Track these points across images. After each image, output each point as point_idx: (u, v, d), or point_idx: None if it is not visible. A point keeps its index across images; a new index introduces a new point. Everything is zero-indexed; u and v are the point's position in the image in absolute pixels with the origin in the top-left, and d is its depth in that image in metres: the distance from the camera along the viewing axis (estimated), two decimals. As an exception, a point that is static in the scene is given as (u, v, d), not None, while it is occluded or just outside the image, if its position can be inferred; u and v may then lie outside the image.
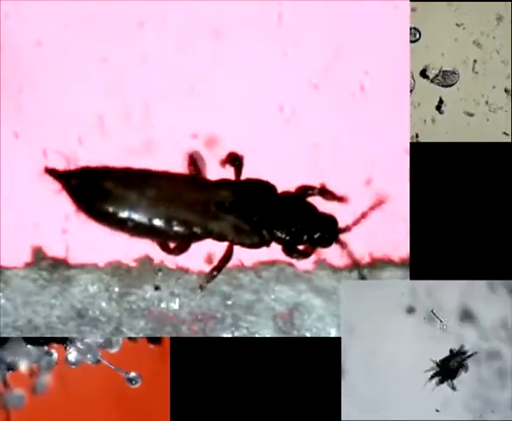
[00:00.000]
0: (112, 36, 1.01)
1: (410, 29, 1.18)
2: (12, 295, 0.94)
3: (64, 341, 1.12)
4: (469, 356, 1.10)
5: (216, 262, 0.95)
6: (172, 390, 1.16)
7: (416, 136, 1.20)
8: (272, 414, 1.16)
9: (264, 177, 0.98)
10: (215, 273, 0.94)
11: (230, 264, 0.97)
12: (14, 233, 0.95)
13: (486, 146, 1.18)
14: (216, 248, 0.97)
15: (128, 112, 1.00)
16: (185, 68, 1.03)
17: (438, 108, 1.20)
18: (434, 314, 1.12)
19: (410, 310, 1.12)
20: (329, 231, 1.03)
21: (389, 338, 1.10)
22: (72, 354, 1.12)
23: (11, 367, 1.12)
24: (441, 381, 1.10)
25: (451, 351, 1.10)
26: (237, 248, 0.97)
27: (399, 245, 1.15)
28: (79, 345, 1.11)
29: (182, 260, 0.96)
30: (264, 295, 1.05)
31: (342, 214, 1.08)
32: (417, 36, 1.19)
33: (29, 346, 1.11)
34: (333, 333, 1.08)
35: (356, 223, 1.07)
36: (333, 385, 1.11)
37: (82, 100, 1.00)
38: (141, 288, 0.95)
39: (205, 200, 0.90)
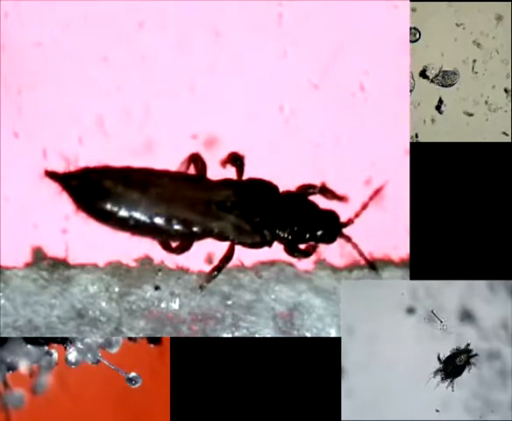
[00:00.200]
0: (112, 36, 1.01)
1: (410, 29, 1.18)
2: (12, 295, 0.94)
3: (64, 341, 1.12)
4: (474, 355, 1.10)
5: (216, 262, 0.95)
6: (172, 390, 1.16)
7: (416, 136, 1.20)
8: (272, 414, 1.16)
9: (264, 177, 0.98)
10: (215, 273, 0.94)
11: (230, 264, 0.97)
12: (14, 233, 0.95)
13: (485, 146, 1.18)
14: (217, 248, 0.97)
15: (128, 112, 1.00)
16: (185, 68, 1.03)
17: (438, 108, 1.20)
18: (434, 314, 1.12)
19: (410, 311, 1.12)
20: (331, 227, 1.03)
21: (389, 339, 1.10)
22: (72, 354, 1.12)
23: (11, 367, 1.12)
24: (445, 378, 1.10)
25: (457, 348, 1.11)
26: (237, 248, 0.97)
27: (399, 245, 1.15)
28: (79, 345, 1.11)
29: (182, 260, 0.96)
30: (264, 295, 1.05)
31: (342, 214, 1.08)
32: (417, 36, 1.19)
33: (29, 345, 1.11)
34: (333, 333, 1.08)
35: (357, 215, 1.07)
36: (333, 385, 1.11)
37: (82, 100, 1.00)
38: (141, 288, 0.94)
39: (206, 199, 0.90)
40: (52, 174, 0.91)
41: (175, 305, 0.94)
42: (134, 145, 0.96)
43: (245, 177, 0.97)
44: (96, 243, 0.94)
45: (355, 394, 1.11)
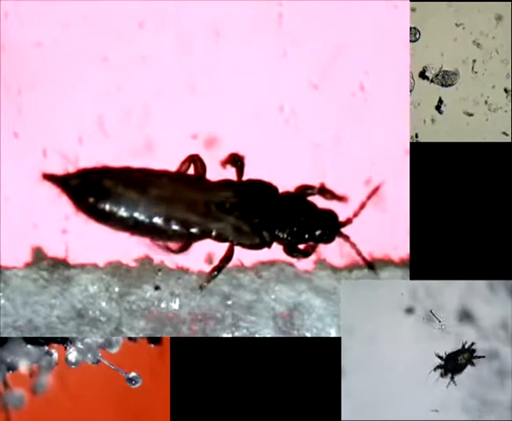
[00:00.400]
0: (112, 36, 1.01)
1: (410, 29, 1.18)
2: (12, 295, 0.94)
3: (64, 341, 1.12)
4: (478, 357, 1.10)
5: (216, 262, 0.95)
6: (172, 390, 1.16)
7: (416, 136, 1.20)
8: (272, 414, 1.16)
9: (263, 177, 0.98)
10: (215, 273, 0.94)
11: (230, 264, 0.97)
12: (14, 233, 0.95)
13: (485, 146, 1.18)
14: (217, 248, 0.97)
15: (128, 112, 1.00)
16: (185, 68, 1.03)
17: (438, 108, 1.20)
18: (433, 314, 1.12)
19: (409, 311, 1.12)
20: (330, 226, 1.03)
21: (389, 339, 1.10)
22: (72, 354, 1.12)
23: (11, 367, 1.12)
24: (444, 374, 1.10)
25: (462, 346, 1.11)
26: (237, 248, 0.97)
27: (399, 245, 1.15)
28: (79, 345, 1.11)
29: (182, 260, 0.96)
30: (264, 295, 1.05)
31: (342, 214, 1.08)
32: (417, 36, 1.19)
33: (29, 345, 1.11)
34: (333, 333, 1.08)
35: (356, 214, 1.07)
36: (333, 385, 1.11)
37: (82, 100, 1.00)
38: (141, 288, 0.94)
39: (206, 200, 0.91)
40: (50, 177, 0.91)
41: (175, 305, 0.94)
42: (134, 145, 0.96)
43: (245, 178, 0.97)
44: (96, 243, 0.94)
45: (355, 394, 1.11)
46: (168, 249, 0.93)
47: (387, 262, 1.14)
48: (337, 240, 1.08)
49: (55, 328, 0.94)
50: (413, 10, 1.18)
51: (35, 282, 0.93)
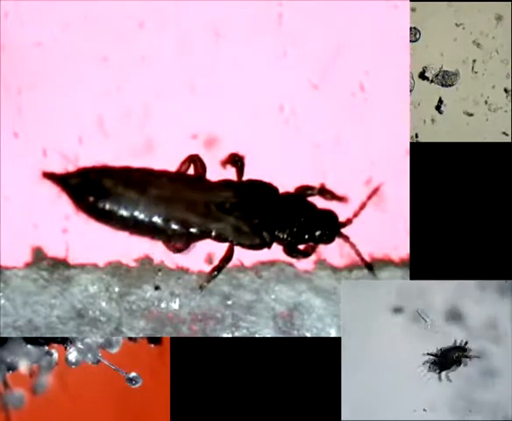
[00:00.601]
0: (112, 36, 1.01)
1: (410, 29, 1.18)
2: (12, 295, 0.93)
3: (64, 341, 1.12)
4: (471, 357, 1.10)
5: (216, 262, 0.95)
6: (172, 390, 1.16)
7: (416, 136, 1.20)
8: (272, 414, 1.16)
9: (263, 177, 0.98)
10: (215, 273, 0.94)
11: (229, 264, 0.97)
12: (14, 233, 0.95)
13: (485, 146, 1.18)
14: (216, 248, 0.96)
15: (128, 112, 1.00)
16: (185, 68, 1.03)
17: (438, 108, 1.20)
18: (419, 314, 1.12)
19: (398, 310, 1.12)
20: (329, 227, 1.03)
21: (384, 338, 1.10)
22: (72, 354, 1.12)
23: (11, 367, 1.12)
24: (435, 370, 1.10)
25: (459, 345, 1.11)
26: (237, 248, 0.97)
27: (399, 245, 1.15)
28: (79, 345, 1.11)
29: (182, 259, 0.96)
30: (264, 295, 1.05)
31: (343, 214, 1.08)
32: (417, 36, 1.19)
33: (29, 345, 1.11)
34: (333, 333, 1.08)
35: (356, 214, 1.07)
36: (333, 385, 1.11)
37: (82, 100, 0.99)
38: (141, 288, 0.94)
39: (205, 201, 0.91)
40: (50, 176, 0.91)
41: (175, 305, 0.94)
42: (134, 145, 0.96)
43: (245, 178, 0.97)
44: (96, 243, 0.94)
45: (353, 394, 1.11)
46: (171, 247, 0.92)
47: (386, 262, 1.14)
48: (337, 240, 1.08)
49: (55, 328, 0.94)
50: (413, 10, 1.18)
51: (35, 282, 0.92)
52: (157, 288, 0.94)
